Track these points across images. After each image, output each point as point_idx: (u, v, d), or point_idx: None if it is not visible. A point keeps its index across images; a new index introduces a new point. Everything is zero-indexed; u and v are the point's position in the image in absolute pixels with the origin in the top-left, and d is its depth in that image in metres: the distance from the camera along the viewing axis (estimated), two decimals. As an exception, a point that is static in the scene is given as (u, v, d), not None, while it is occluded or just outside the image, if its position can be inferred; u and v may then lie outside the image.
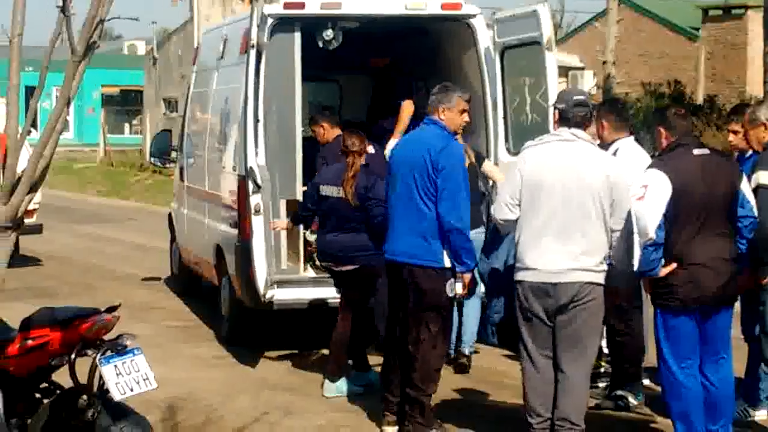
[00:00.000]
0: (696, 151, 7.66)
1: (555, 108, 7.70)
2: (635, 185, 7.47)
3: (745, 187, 7.75)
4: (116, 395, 6.74)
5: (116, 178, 34.55)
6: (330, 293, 9.96)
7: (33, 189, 5.87)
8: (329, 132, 10.98)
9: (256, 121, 10.33)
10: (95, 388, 6.90)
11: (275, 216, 10.64)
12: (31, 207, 6.63)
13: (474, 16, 11.37)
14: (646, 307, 8.59)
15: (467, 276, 8.15)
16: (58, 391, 7.18)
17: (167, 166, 15.44)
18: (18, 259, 15.09)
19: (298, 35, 10.95)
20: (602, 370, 9.43)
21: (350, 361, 9.74)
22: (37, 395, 7.21)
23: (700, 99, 29.74)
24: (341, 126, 10.99)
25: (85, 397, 6.95)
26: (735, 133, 8.87)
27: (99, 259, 18.38)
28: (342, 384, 9.56)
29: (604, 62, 25.55)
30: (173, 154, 14.75)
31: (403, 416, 8.33)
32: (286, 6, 10.90)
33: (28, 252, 17.40)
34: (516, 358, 8.23)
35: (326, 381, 9.58)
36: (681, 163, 7.56)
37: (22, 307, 8.26)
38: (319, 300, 10.54)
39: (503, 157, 11.11)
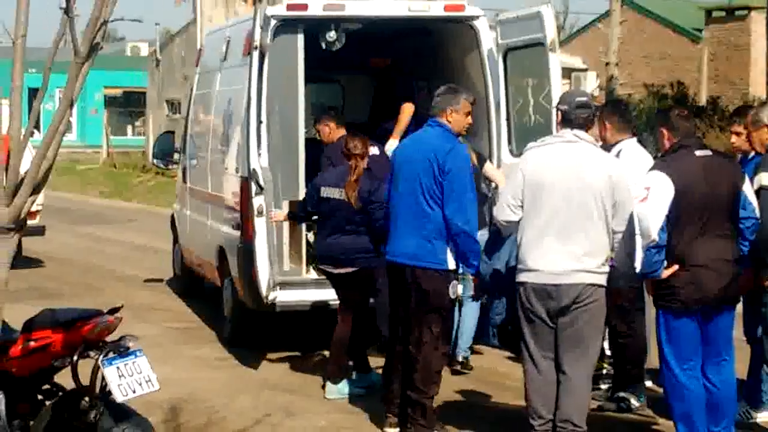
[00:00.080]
0: (698, 153, 7.66)
1: (557, 109, 7.71)
2: (637, 187, 7.47)
3: (747, 189, 7.75)
4: (118, 397, 6.74)
5: (119, 179, 34.57)
6: (332, 295, 9.96)
7: (36, 190, 5.87)
8: (335, 132, 10.96)
9: (259, 122, 10.33)
10: (97, 390, 6.90)
11: (278, 218, 10.64)
12: (33, 208, 6.62)
13: (477, 17, 11.37)
14: (648, 308, 8.59)
15: (475, 278, 8.16)
16: (60, 393, 7.18)
17: (170, 167, 15.43)
18: (21, 261, 15.09)
19: (301, 37, 10.96)
20: (604, 371, 9.43)
21: (351, 363, 9.75)
22: (40, 397, 7.21)
23: (703, 100, 29.73)
24: (346, 126, 10.98)
25: (87, 398, 6.94)
26: (737, 134, 8.87)
27: (101, 260, 18.39)
28: (343, 385, 9.56)
29: (607, 63, 25.53)
30: (176, 156, 14.75)
31: (405, 418, 8.33)
32: (289, 7, 10.90)
33: (30, 253, 17.42)
34: (518, 359, 8.23)
35: (328, 383, 9.58)
36: (683, 164, 7.56)
37: (24, 309, 8.26)
38: (321, 302, 10.53)
39: (506, 159, 11.11)
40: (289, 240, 10.89)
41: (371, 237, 9.26)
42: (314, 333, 11.31)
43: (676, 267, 7.48)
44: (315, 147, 11.60)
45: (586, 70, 33.46)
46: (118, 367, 6.77)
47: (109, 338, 6.98)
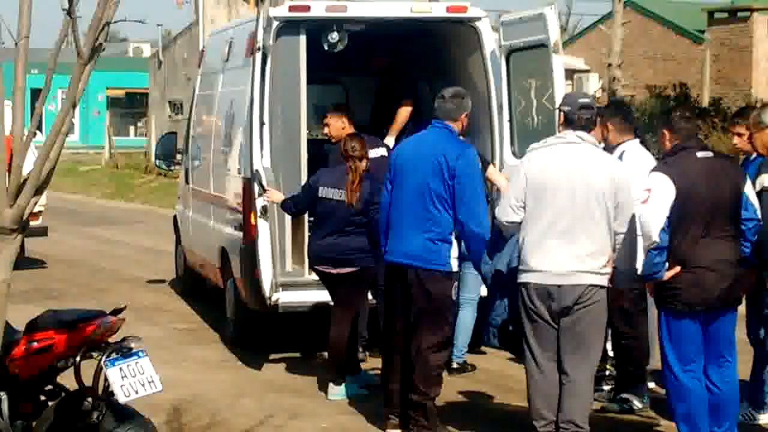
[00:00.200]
0: (699, 154, 7.66)
1: (560, 111, 7.72)
2: (639, 188, 7.47)
3: (749, 190, 7.75)
4: (121, 397, 6.74)
5: (121, 180, 34.58)
6: (335, 296, 9.95)
7: (38, 191, 5.87)
8: (348, 129, 10.90)
9: (262, 123, 10.34)
10: (100, 391, 6.91)
11: (280, 220, 10.64)
12: (36, 209, 6.62)
13: (479, 18, 11.37)
14: (650, 309, 8.59)
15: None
16: (63, 394, 7.19)
17: (172, 168, 15.44)
18: (23, 262, 15.10)
19: (303, 38, 10.96)
20: (607, 372, 9.43)
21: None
22: (42, 397, 7.21)
23: (705, 101, 29.70)
24: (353, 121, 10.92)
25: (90, 399, 6.95)
26: (739, 135, 8.86)
27: (104, 261, 18.40)
28: (346, 387, 9.56)
29: (609, 65, 25.51)
30: (178, 157, 14.76)
31: (407, 419, 8.33)
32: (292, 9, 10.91)
33: (33, 254, 17.42)
34: (519, 360, 8.23)
35: (330, 384, 9.58)
36: (684, 165, 7.57)
37: (27, 309, 8.27)
38: (324, 303, 10.52)
39: (509, 160, 11.11)
40: (292, 241, 10.89)
41: (369, 237, 9.27)
42: (317, 334, 11.30)
43: (678, 269, 7.48)
44: (317, 148, 11.60)
45: (588, 71, 33.43)
46: (121, 368, 6.77)
47: (112, 339, 6.98)
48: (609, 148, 8.79)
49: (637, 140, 9.09)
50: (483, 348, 10.58)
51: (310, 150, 11.16)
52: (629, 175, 7.64)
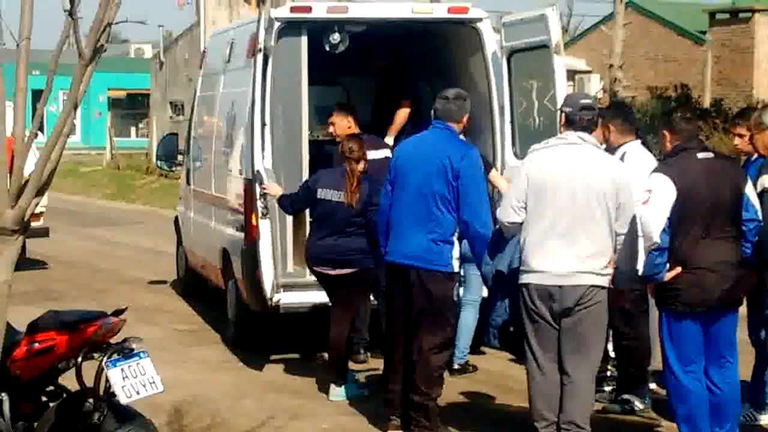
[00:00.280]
0: (700, 155, 7.66)
1: (561, 112, 7.72)
2: (639, 189, 7.47)
3: (750, 191, 7.75)
4: (122, 398, 6.74)
5: (123, 181, 34.59)
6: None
7: (40, 192, 5.87)
8: (354, 128, 10.90)
9: (263, 124, 10.34)
10: (102, 392, 6.91)
11: (281, 221, 10.65)
12: (37, 210, 6.63)
13: (481, 19, 11.37)
14: (652, 310, 8.59)
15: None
16: (64, 395, 7.19)
17: (174, 169, 15.44)
18: (25, 263, 15.11)
19: (304, 39, 10.96)
20: (608, 373, 9.43)
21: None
22: (44, 398, 7.22)
23: (707, 103, 29.69)
24: (356, 119, 10.92)
25: (91, 400, 6.95)
26: (740, 136, 8.86)
27: (105, 262, 18.40)
28: (347, 388, 9.57)
29: (611, 66, 25.51)
30: (180, 158, 14.76)
31: (408, 420, 8.33)
32: (293, 10, 10.91)
33: (35, 255, 17.42)
34: (520, 361, 8.23)
35: (331, 385, 9.58)
36: (685, 166, 7.57)
37: (28, 310, 8.27)
38: (324, 304, 10.52)
39: (510, 161, 11.11)
40: (293, 242, 10.89)
41: (368, 238, 9.27)
42: (318, 335, 11.30)
43: (678, 269, 7.48)
44: (318, 148, 11.59)
45: (589, 72, 33.41)
46: (122, 369, 6.78)
47: (113, 340, 6.98)
48: (610, 149, 8.80)
49: (639, 141, 9.09)
50: (483, 348, 10.57)
51: (311, 151, 11.16)
52: (630, 176, 7.64)
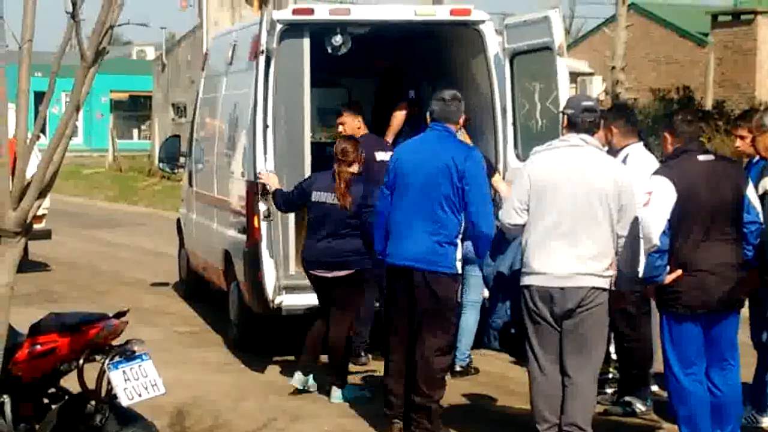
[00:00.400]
0: (701, 157, 7.66)
1: (563, 113, 7.72)
2: (640, 191, 7.47)
3: (751, 193, 7.74)
4: (124, 400, 6.74)
5: (125, 183, 34.59)
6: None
7: (42, 194, 5.88)
8: (363, 129, 10.90)
9: (265, 126, 10.34)
10: (103, 394, 6.91)
11: (284, 223, 10.65)
12: (39, 212, 6.63)
13: (483, 22, 11.37)
14: (654, 312, 8.58)
15: None
16: (66, 397, 7.19)
17: (176, 171, 15.44)
18: (27, 264, 15.11)
19: (306, 41, 10.96)
20: (610, 375, 9.42)
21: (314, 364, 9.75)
22: (46, 400, 7.22)
23: (709, 104, 29.69)
24: (362, 116, 10.92)
25: (93, 402, 6.95)
26: (742, 138, 8.86)
27: (107, 263, 18.40)
28: (348, 390, 9.57)
29: (613, 68, 25.51)
30: (182, 160, 14.76)
31: (409, 421, 8.33)
32: (295, 12, 10.92)
33: (37, 257, 17.43)
34: (522, 363, 8.23)
35: (333, 387, 9.58)
36: (686, 168, 7.57)
37: (30, 312, 8.27)
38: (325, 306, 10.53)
39: (512, 163, 11.11)
40: (295, 244, 10.89)
41: (363, 240, 9.27)
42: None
43: (679, 272, 7.48)
44: (321, 150, 11.59)
45: (592, 74, 33.39)
46: (124, 371, 6.78)
47: (115, 342, 6.98)
48: (613, 152, 8.80)
49: (641, 143, 9.09)
50: (485, 350, 10.56)
51: (313, 153, 11.16)
52: (633, 178, 7.64)
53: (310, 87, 11.10)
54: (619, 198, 7.42)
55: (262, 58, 10.23)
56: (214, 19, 32.73)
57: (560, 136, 7.81)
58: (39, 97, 6.39)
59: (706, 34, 32.99)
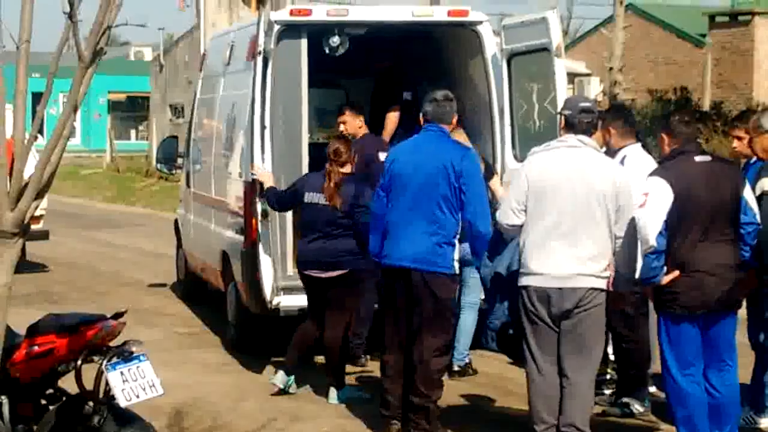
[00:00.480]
0: (698, 158, 7.66)
1: (561, 114, 7.72)
2: (636, 193, 7.47)
3: (748, 194, 7.75)
4: (122, 401, 6.74)
5: (123, 183, 34.59)
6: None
7: (40, 195, 5.87)
8: (364, 128, 10.91)
9: (263, 127, 10.34)
10: (101, 395, 6.90)
11: (281, 223, 10.64)
12: (37, 213, 6.63)
13: (481, 23, 11.37)
14: (652, 313, 8.59)
15: None
16: (64, 398, 7.18)
17: (174, 172, 15.45)
18: (25, 265, 15.11)
19: (304, 42, 10.96)
20: (608, 376, 9.42)
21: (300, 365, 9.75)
22: (43, 401, 7.21)
23: (706, 105, 29.71)
24: (363, 116, 10.92)
25: (91, 403, 6.95)
26: (739, 139, 8.86)
27: (105, 264, 18.40)
28: (347, 391, 9.57)
29: (611, 68, 25.53)
30: (179, 160, 14.76)
31: (407, 422, 8.33)
32: (293, 13, 10.92)
33: (35, 258, 17.43)
34: (521, 364, 8.23)
35: (331, 388, 9.59)
36: (682, 169, 7.56)
37: (28, 313, 8.27)
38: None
39: (510, 164, 11.11)
40: (293, 244, 10.88)
41: (356, 239, 9.28)
42: (319, 337, 11.29)
43: (676, 272, 7.48)
44: (318, 151, 11.58)
45: (589, 75, 33.41)
46: (122, 372, 6.77)
47: (113, 343, 6.98)
48: (611, 152, 8.80)
49: (639, 144, 9.09)
50: (483, 351, 10.55)
51: (311, 153, 11.15)
52: (630, 179, 7.64)
53: (308, 87, 11.10)
54: (617, 199, 7.42)
55: (259, 59, 10.23)
56: (211, 20, 32.74)
57: (558, 137, 7.82)
58: (36, 97, 6.38)
59: (704, 35, 33.02)
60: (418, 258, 8.17)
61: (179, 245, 15.07)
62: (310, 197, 9.48)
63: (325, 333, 9.54)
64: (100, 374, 6.84)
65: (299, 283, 10.67)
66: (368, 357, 10.66)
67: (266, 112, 10.36)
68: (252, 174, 10.14)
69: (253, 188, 10.23)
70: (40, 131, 6.57)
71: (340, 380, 9.60)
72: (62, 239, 20.04)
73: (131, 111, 56.79)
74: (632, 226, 7.41)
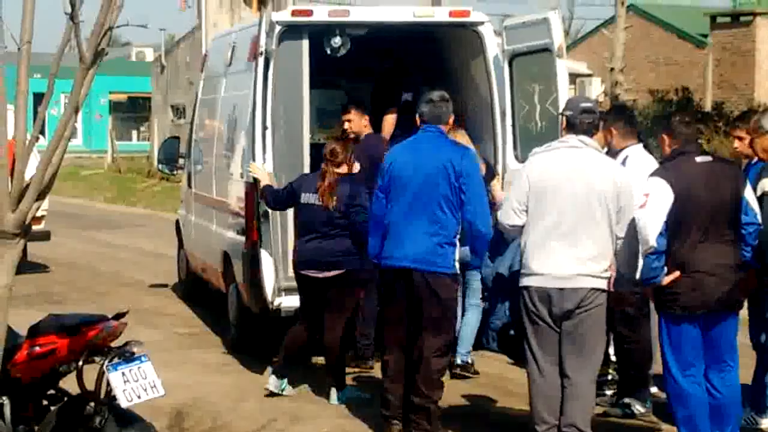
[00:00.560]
0: (698, 159, 7.66)
1: (562, 115, 7.72)
2: (637, 193, 7.48)
3: (749, 194, 7.74)
4: (123, 402, 6.74)
5: (124, 184, 34.60)
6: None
7: (41, 196, 5.88)
8: (369, 127, 10.91)
9: (264, 127, 10.34)
10: (102, 395, 6.90)
11: (283, 224, 10.64)
12: (38, 214, 6.63)
13: (482, 23, 11.37)
14: (653, 314, 8.59)
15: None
16: (65, 398, 7.18)
17: (175, 172, 15.45)
18: (26, 266, 15.11)
19: (305, 42, 10.96)
20: (609, 377, 9.42)
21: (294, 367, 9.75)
22: (45, 402, 7.21)
23: (708, 106, 29.71)
24: (370, 117, 10.93)
25: (92, 404, 6.95)
26: (740, 139, 8.86)
27: (106, 265, 18.40)
28: (347, 391, 9.57)
29: (612, 69, 25.53)
30: (181, 161, 14.75)
31: (408, 423, 8.33)
32: (294, 13, 10.92)
33: (36, 258, 17.43)
34: (522, 365, 8.23)
35: (332, 388, 9.59)
36: (683, 170, 7.57)
37: (30, 314, 8.27)
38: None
39: (511, 165, 11.10)
40: (294, 245, 10.87)
41: (353, 239, 9.28)
42: (307, 340, 11.28)
43: (677, 273, 7.48)
44: (320, 152, 11.57)
45: (591, 75, 33.41)
46: (123, 373, 6.77)
47: (114, 343, 6.98)
48: (612, 153, 8.80)
49: (641, 145, 9.09)
50: (484, 352, 10.55)
51: (312, 154, 11.15)
52: (632, 180, 7.64)
53: (309, 88, 11.09)
54: (618, 199, 7.43)
55: (261, 60, 10.23)
56: (213, 21, 32.75)
57: (559, 138, 7.82)
58: (38, 98, 6.39)
59: (705, 36, 33.02)
60: (420, 258, 8.17)
61: (180, 246, 15.07)
62: (306, 197, 9.49)
63: (325, 334, 9.54)
64: (101, 375, 6.84)
65: (300, 283, 10.68)
66: (376, 358, 10.66)
67: (267, 113, 10.36)
68: (248, 171, 10.16)
69: (254, 189, 10.23)
70: (42, 132, 6.58)
71: (341, 381, 9.60)
72: (63, 240, 20.04)
73: (132, 112, 56.79)
74: (633, 227, 7.41)
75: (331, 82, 13.43)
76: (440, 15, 11.50)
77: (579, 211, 7.41)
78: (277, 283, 10.31)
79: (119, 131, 49.16)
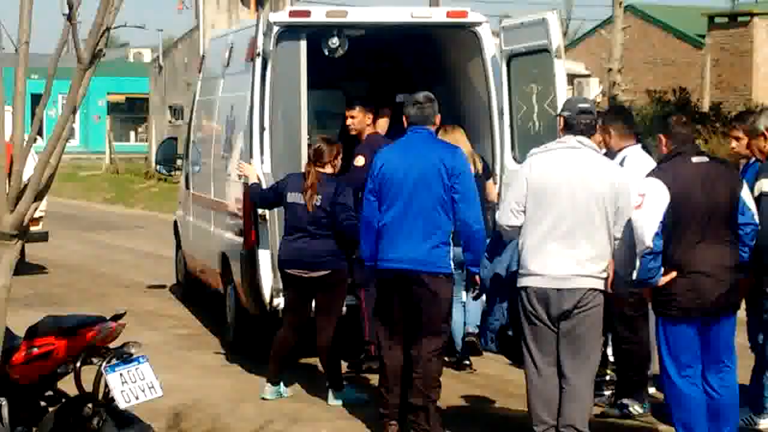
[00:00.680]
0: (695, 159, 7.66)
1: (560, 116, 7.72)
2: (633, 194, 7.47)
3: (746, 195, 7.74)
4: (121, 403, 6.74)
5: (122, 185, 34.59)
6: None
7: (39, 197, 5.87)
8: (371, 125, 10.90)
9: (262, 128, 10.34)
10: (101, 396, 6.91)
11: (280, 225, 10.62)
12: (36, 215, 6.62)
13: (480, 24, 11.36)
14: (651, 315, 8.59)
15: (478, 278, 8.22)
16: (63, 399, 7.19)
17: (173, 173, 15.46)
18: (23, 267, 15.10)
19: (303, 43, 10.95)
20: (608, 378, 9.42)
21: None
22: (43, 403, 7.22)
23: (706, 106, 29.73)
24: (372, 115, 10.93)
25: (90, 405, 6.95)
26: (738, 139, 8.86)
27: (104, 266, 18.40)
28: (346, 392, 9.57)
29: (610, 69, 25.54)
30: (179, 162, 14.75)
31: (406, 423, 8.32)
32: (292, 14, 10.91)
33: (34, 259, 17.42)
34: (520, 366, 8.23)
35: (330, 390, 9.58)
36: (679, 171, 7.56)
37: (27, 315, 8.27)
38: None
39: (509, 165, 11.10)
40: (279, 244, 10.87)
41: (338, 239, 9.28)
42: (294, 344, 11.28)
43: (673, 274, 7.47)
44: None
45: (588, 76, 33.42)
46: (121, 374, 6.78)
47: (112, 345, 6.98)
48: (610, 154, 8.80)
49: (639, 145, 9.09)
50: (482, 352, 10.56)
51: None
52: (630, 181, 7.64)
53: (307, 89, 11.09)
54: (616, 200, 7.42)
55: (258, 61, 10.24)
56: (210, 22, 32.77)
57: (557, 138, 7.82)
58: (36, 99, 6.38)
59: (703, 36, 33.05)
60: (418, 260, 8.17)
61: (178, 247, 15.07)
62: (292, 197, 9.49)
63: (318, 337, 9.54)
64: (99, 376, 6.84)
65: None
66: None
67: (265, 114, 10.36)
68: (237, 169, 10.16)
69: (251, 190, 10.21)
70: (39, 133, 6.57)
71: (338, 382, 9.60)
72: (61, 241, 20.03)
73: (130, 113, 56.81)
74: (630, 227, 7.41)
75: (330, 83, 13.42)
76: (438, 15, 11.49)
77: (577, 212, 7.41)
78: (275, 284, 10.30)
79: (117, 132, 49.14)
